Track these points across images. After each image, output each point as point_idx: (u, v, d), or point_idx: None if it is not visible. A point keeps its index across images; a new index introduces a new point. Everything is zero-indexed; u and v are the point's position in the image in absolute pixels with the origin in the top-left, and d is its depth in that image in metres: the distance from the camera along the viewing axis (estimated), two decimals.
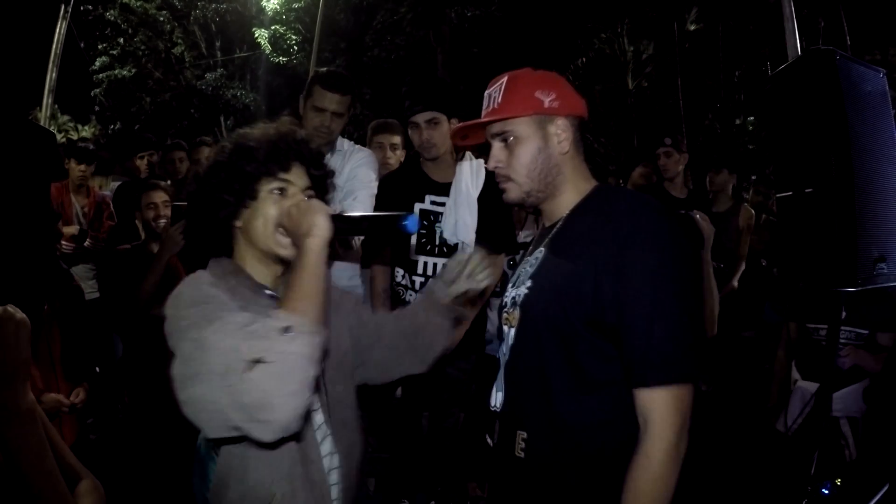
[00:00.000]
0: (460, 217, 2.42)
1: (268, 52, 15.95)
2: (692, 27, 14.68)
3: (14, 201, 1.68)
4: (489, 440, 1.28)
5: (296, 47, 16.06)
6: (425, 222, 2.47)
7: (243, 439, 1.02)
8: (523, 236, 3.20)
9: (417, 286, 2.47)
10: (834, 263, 1.87)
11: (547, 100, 1.24)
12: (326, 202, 1.27)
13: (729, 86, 14.67)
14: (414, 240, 2.47)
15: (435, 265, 2.46)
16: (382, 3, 15.27)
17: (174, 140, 4.15)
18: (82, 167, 3.83)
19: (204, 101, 16.27)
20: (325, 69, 2.53)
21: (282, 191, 1.20)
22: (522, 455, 1.22)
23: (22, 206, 1.72)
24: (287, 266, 1.23)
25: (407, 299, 2.48)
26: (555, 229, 1.28)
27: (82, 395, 2.40)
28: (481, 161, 2.54)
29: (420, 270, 2.47)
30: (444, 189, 2.47)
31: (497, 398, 1.32)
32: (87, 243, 3.68)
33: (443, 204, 2.47)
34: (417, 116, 2.38)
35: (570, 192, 1.29)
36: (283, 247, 1.19)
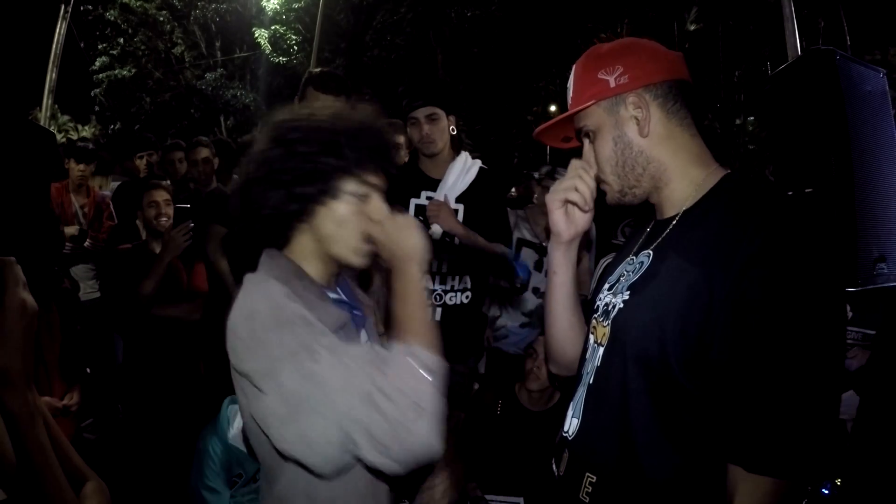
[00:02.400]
0: None
1: (268, 52, 15.94)
2: (692, 27, 14.69)
3: (14, 201, 1.68)
4: (554, 468, 1.16)
5: (296, 47, 16.06)
6: (421, 217, 2.47)
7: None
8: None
9: None
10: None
11: (612, 78, 1.03)
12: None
13: (729, 86, 14.66)
14: None
15: (430, 262, 2.46)
16: (382, 3, 15.28)
17: (173, 140, 4.14)
18: (82, 167, 3.83)
19: (204, 101, 16.27)
20: (318, 70, 2.53)
21: (366, 194, 1.08)
22: (587, 500, 1.04)
23: (22, 206, 1.72)
24: (343, 267, 1.15)
25: None
26: (667, 230, 1.05)
27: (76, 398, 2.38)
28: (477, 161, 2.54)
29: None
30: (439, 185, 2.48)
31: (571, 424, 1.12)
32: (87, 243, 3.68)
33: None
34: (417, 112, 2.38)
35: (680, 183, 1.04)
36: (361, 257, 1.09)
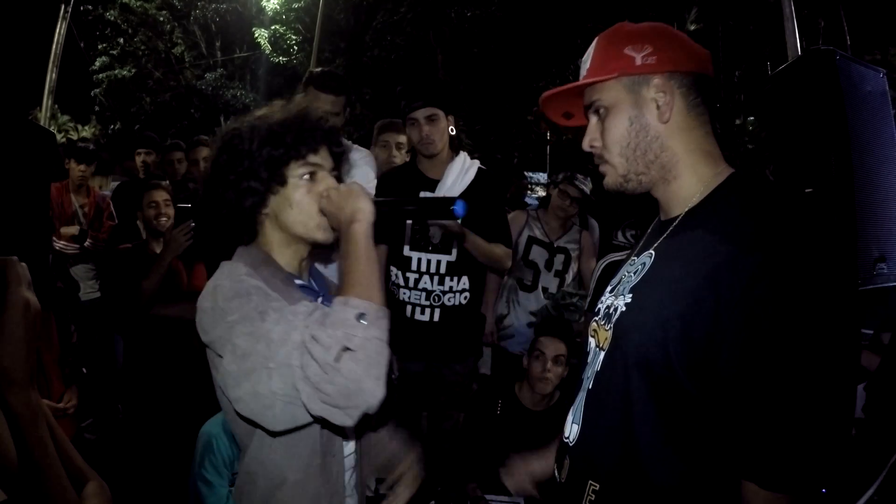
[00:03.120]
0: None
1: (268, 52, 15.94)
2: (692, 27, 14.67)
3: (14, 201, 1.68)
4: (556, 474, 1.14)
5: (296, 47, 16.05)
6: None
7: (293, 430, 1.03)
8: (565, 241, 3.23)
9: (411, 283, 2.47)
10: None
11: (639, 56, 0.98)
12: (342, 178, 1.26)
13: (729, 86, 14.66)
14: (407, 237, 2.47)
15: (429, 261, 2.46)
16: (382, 3, 15.26)
17: (173, 140, 4.14)
18: (82, 167, 3.83)
19: (204, 101, 16.26)
20: (318, 69, 2.54)
21: (311, 175, 1.16)
22: None
23: (22, 206, 1.72)
24: (312, 249, 1.23)
25: (401, 298, 2.48)
26: (670, 229, 1.02)
27: (74, 401, 2.38)
28: (476, 161, 2.54)
29: (414, 267, 2.47)
30: (437, 186, 2.48)
31: (571, 430, 1.10)
32: (87, 243, 3.68)
33: None
34: (417, 113, 2.38)
35: (688, 179, 1.01)
36: (324, 230, 1.17)
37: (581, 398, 1.09)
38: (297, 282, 1.21)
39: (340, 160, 1.25)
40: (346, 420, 0.95)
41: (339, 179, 1.24)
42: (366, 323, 0.95)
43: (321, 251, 1.27)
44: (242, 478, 1.18)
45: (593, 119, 1.05)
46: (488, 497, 2.52)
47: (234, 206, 1.15)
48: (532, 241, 3.25)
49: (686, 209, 1.00)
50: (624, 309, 1.01)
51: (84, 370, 2.76)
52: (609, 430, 1.00)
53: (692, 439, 0.91)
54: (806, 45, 3.80)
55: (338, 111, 2.37)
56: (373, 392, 0.93)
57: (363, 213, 1.07)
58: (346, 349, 0.92)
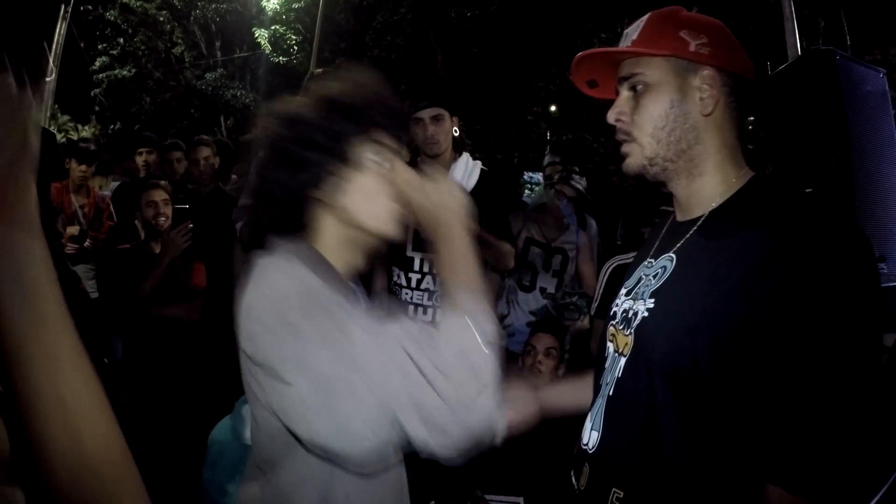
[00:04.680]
0: None
1: (268, 52, 15.94)
2: None
3: None
4: (574, 481, 1.11)
5: (296, 47, 16.05)
6: None
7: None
8: (561, 241, 3.23)
9: (413, 283, 2.47)
10: None
11: (694, 43, 0.95)
12: None
13: None
14: (410, 237, 2.48)
15: (431, 262, 2.47)
16: (382, 3, 15.27)
17: (173, 140, 4.14)
18: (83, 167, 3.83)
19: (204, 101, 16.26)
20: (321, 70, 2.54)
21: (389, 161, 0.98)
22: None
23: None
24: (369, 253, 1.04)
25: (403, 298, 2.48)
26: (691, 231, 0.98)
27: None
28: (478, 162, 2.54)
29: (416, 267, 2.47)
30: None
31: (591, 437, 1.07)
32: (87, 243, 3.68)
33: None
34: (422, 112, 2.38)
35: (714, 178, 0.98)
36: (396, 226, 0.99)
37: (601, 405, 1.06)
38: (354, 288, 1.03)
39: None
40: (455, 455, 0.79)
41: None
42: (489, 350, 0.81)
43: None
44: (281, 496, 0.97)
45: (626, 93, 1.01)
46: (488, 497, 2.52)
47: (286, 183, 0.94)
48: (529, 241, 3.25)
49: (708, 210, 0.98)
50: (646, 314, 0.98)
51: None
52: (633, 438, 0.97)
53: (719, 446, 0.89)
54: (806, 45, 3.80)
55: None
56: (499, 428, 0.81)
57: (466, 214, 0.93)
58: (477, 380, 0.79)
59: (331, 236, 0.99)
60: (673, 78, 0.96)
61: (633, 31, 1.00)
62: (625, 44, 1.01)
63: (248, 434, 1.85)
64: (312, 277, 0.88)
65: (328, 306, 0.84)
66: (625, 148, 1.02)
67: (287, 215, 0.98)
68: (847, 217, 1.76)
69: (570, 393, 1.27)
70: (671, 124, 0.96)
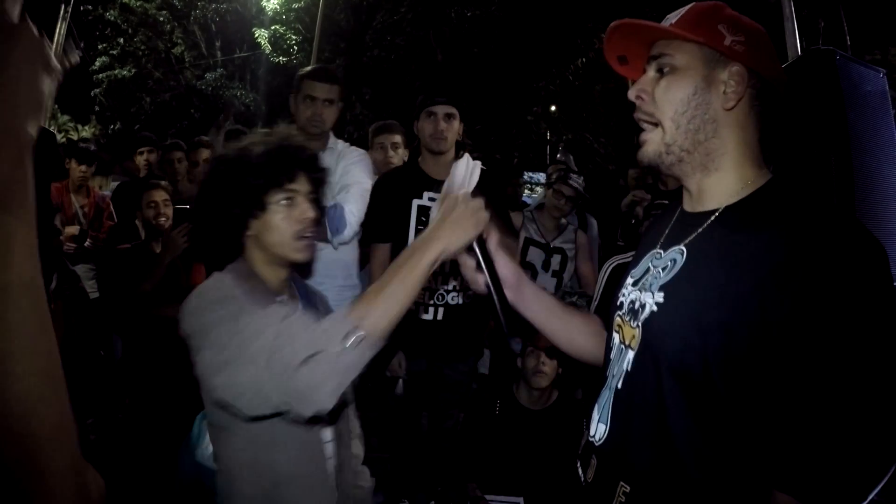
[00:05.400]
0: None
1: (268, 52, 15.94)
2: None
3: None
4: (581, 473, 1.11)
5: (296, 47, 16.05)
6: (423, 218, 2.47)
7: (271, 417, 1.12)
8: (560, 241, 3.23)
9: None
10: None
11: (730, 37, 0.94)
12: (321, 199, 1.37)
13: None
14: (411, 237, 2.47)
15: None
16: (382, 3, 15.26)
17: (173, 140, 4.14)
18: (83, 168, 3.83)
19: (204, 101, 16.26)
20: (311, 66, 2.56)
21: (289, 199, 1.28)
22: None
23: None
24: (291, 269, 1.36)
25: None
26: (704, 226, 0.97)
27: None
28: (478, 162, 2.54)
29: None
30: (441, 186, 2.48)
31: (598, 429, 1.07)
32: (87, 243, 3.68)
33: None
34: (438, 107, 2.39)
35: (730, 174, 0.97)
36: (300, 252, 1.29)
37: (608, 397, 1.06)
38: (277, 298, 1.30)
39: (319, 184, 1.36)
40: (304, 413, 1.03)
41: (318, 201, 1.35)
42: (347, 345, 0.98)
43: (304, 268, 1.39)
44: (224, 475, 1.27)
45: (651, 73, 1.01)
46: (488, 497, 2.52)
47: (220, 228, 1.29)
48: (528, 242, 3.24)
49: (723, 206, 0.97)
50: (655, 308, 0.97)
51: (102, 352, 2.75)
52: (641, 433, 0.97)
53: (728, 446, 0.89)
54: (806, 45, 3.80)
55: (333, 98, 2.37)
56: (326, 399, 1.00)
57: (466, 240, 1.20)
58: (314, 356, 0.99)
59: (258, 258, 1.32)
60: (701, 66, 0.96)
61: (673, 16, 1.00)
62: (667, 21, 1.00)
63: (201, 452, 1.93)
64: (230, 281, 1.23)
65: (234, 297, 1.16)
66: (644, 135, 1.01)
67: (225, 248, 1.32)
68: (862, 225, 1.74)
69: (534, 298, 1.22)
70: (692, 111, 0.96)
